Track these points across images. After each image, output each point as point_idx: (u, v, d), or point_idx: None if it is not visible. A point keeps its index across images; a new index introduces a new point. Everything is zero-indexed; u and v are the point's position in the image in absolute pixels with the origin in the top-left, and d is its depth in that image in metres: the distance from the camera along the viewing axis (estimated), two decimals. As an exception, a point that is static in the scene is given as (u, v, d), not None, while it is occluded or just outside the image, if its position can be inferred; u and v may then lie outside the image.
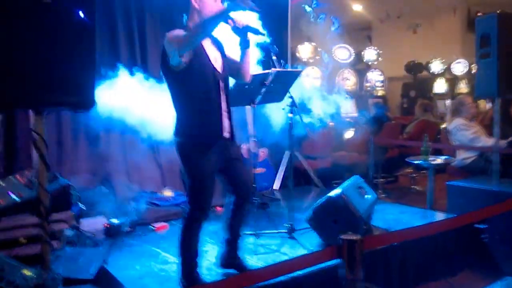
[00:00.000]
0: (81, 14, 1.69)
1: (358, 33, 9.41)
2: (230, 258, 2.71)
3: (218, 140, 2.41)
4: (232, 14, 2.30)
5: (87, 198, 3.64)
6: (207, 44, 2.45)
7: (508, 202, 2.52)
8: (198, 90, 2.36)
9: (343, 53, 6.79)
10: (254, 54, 2.73)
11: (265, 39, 2.56)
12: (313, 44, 6.18)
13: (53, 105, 1.78)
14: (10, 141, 3.65)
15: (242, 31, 2.43)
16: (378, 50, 7.31)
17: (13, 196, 2.73)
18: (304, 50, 6.17)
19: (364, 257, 1.63)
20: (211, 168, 2.41)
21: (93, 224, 3.51)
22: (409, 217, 3.80)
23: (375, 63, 7.33)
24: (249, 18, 2.44)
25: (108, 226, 3.46)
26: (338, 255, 1.63)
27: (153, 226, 3.65)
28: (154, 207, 3.93)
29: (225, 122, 2.45)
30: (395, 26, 9.26)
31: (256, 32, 2.45)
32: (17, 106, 1.79)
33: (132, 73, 3.83)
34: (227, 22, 2.38)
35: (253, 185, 3.32)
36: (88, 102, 1.79)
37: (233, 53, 2.58)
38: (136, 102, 3.90)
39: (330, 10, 5.87)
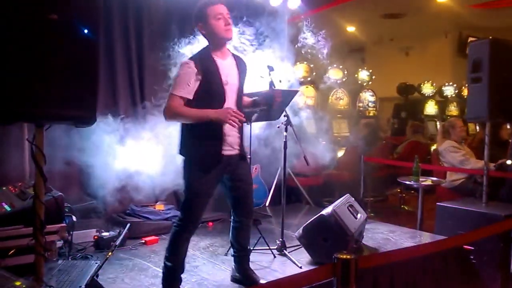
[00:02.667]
0: (86, 31, 1.73)
1: (352, 54, 9.57)
2: (239, 272, 2.79)
3: (218, 163, 2.46)
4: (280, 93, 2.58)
5: (78, 210, 3.65)
6: (224, 65, 2.50)
7: (495, 225, 2.57)
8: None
9: (337, 73, 6.90)
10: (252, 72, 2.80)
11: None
12: (308, 64, 6.28)
13: (55, 119, 1.80)
14: (2, 153, 3.64)
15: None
16: (370, 71, 7.44)
17: (6, 207, 2.73)
18: (299, 70, 6.27)
19: (358, 277, 1.66)
20: (209, 186, 2.49)
21: (83, 236, 3.52)
22: (399, 237, 3.83)
23: (369, 83, 7.45)
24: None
25: (97, 238, 3.46)
26: (333, 274, 1.65)
27: (144, 240, 3.65)
28: (145, 221, 3.92)
29: (230, 140, 2.50)
30: (388, 49, 9.45)
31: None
32: (19, 119, 1.80)
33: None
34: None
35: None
36: (89, 117, 1.82)
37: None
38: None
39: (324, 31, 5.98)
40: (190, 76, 2.37)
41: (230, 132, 2.49)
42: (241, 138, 2.59)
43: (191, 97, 2.39)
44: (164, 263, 2.55)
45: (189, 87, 2.37)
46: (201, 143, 2.45)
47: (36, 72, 1.68)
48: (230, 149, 2.51)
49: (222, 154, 2.46)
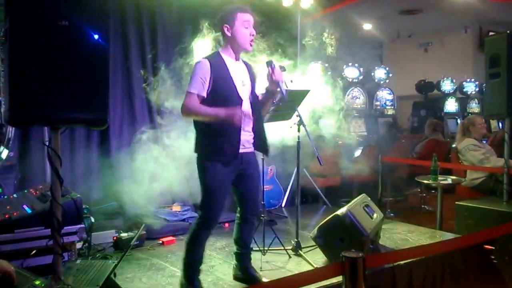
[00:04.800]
0: (96, 37, 1.78)
1: (369, 52, 9.48)
2: (241, 270, 2.82)
3: (232, 160, 2.52)
4: (275, 64, 2.56)
5: (98, 212, 3.74)
6: (235, 68, 2.58)
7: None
8: None
9: (352, 71, 6.84)
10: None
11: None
12: (322, 63, 6.25)
13: (68, 122, 1.86)
14: (25, 155, 3.75)
15: (272, 82, 2.59)
16: (388, 69, 7.35)
17: (27, 209, 2.81)
18: (314, 69, 6.23)
19: (367, 275, 1.65)
20: (225, 182, 2.56)
21: (103, 237, 3.60)
22: (417, 237, 3.78)
23: (386, 81, 7.36)
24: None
25: (116, 239, 3.53)
26: (341, 272, 1.65)
27: (161, 240, 3.71)
28: (162, 222, 3.98)
29: (244, 138, 2.56)
30: (406, 45, 9.32)
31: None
32: (34, 123, 1.86)
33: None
34: (270, 67, 2.56)
35: (262, 202, 3.39)
36: (101, 120, 1.88)
37: (260, 88, 2.72)
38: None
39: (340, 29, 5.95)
40: (205, 74, 2.45)
41: (244, 131, 2.55)
42: (256, 136, 2.64)
43: (205, 95, 2.46)
44: (185, 258, 2.61)
45: (205, 85, 2.45)
46: (218, 141, 2.49)
47: (49, 77, 1.74)
48: (243, 147, 2.57)
49: (238, 152, 2.52)
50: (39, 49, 1.70)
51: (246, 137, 2.59)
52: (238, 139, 2.52)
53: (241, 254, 2.83)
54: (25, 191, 3.21)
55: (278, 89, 2.60)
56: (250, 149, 2.65)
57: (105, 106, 1.89)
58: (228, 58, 2.58)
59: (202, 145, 2.55)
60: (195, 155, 2.61)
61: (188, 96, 2.46)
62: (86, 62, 1.79)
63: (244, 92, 2.57)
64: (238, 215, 2.80)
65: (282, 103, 2.83)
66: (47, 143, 1.89)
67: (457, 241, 2.65)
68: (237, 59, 2.63)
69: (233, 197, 2.90)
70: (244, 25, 2.50)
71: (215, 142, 2.50)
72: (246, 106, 2.57)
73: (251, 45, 2.56)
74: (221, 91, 2.48)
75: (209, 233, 2.61)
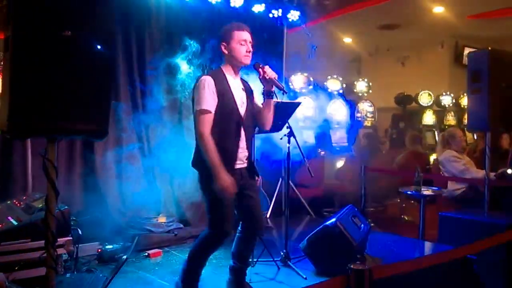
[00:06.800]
0: (99, 47, 1.76)
1: (349, 64, 9.65)
2: (237, 284, 2.78)
3: (232, 173, 2.49)
4: (263, 66, 2.59)
5: (82, 223, 3.64)
6: (235, 85, 2.61)
7: (499, 236, 2.59)
8: (219, 130, 2.49)
9: (334, 84, 6.95)
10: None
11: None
12: (306, 74, 6.34)
13: (68, 133, 1.83)
14: (5, 166, 3.64)
15: (268, 83, 2.61)
16: (368, 82, 7.51)
17: (12, 221, 2.73)
18: (297, 80, 6.32)
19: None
20: (229, 197, 2.50)
21: (87, 249, 3.51)
22: (401, 247, 3.85)
23: (366, 94, 7.52)
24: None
25: (101, 251, 3.45)
26: (346, 285, 1.66)
27: (147, 253, 3.65)
28: (148, 234, 3.92)
29: (240, 155, 2.59)
30: (384, 59, 9.53)
31: (279, 88, 2.63)
32: (33, 134, 1.82)
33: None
34: (258, 71, 2.60)
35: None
36: (102, 131, 1.85)
37: (259, 100, 2.75)
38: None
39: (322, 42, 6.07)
40: (212, 90, 2.48)
41: (240, 147, 2.58)
42: (250, 153, 2.68)
43: (214, 112, 2.47)
44: (187, 269, 2.60)
45: (214, 101, 2.48)
46: (220, 155, 2.47)
47: (50, 88, 1.71)
48: (240, 163, 2.61)
49: (235, 168, 2.54)
50: (41, 58, 1.68)
51: (243, 153, 2.62)
52: (236, 155, 2.56)
53: (238, 269, 2.78)
54: (8, 202, 3.12)
55: (274, 88, 2.62)
56: (247, 164, 2.67)
57: (106, 117, 1.87)
58: (228, 76, 2.62)
59: (204, 161, 2.48)
60: (195, 171, 2.60)
61: (201, 115, 2.44)
62: (88, 72, 1.77)
63: (242, 109, 2.61)
64: (240, 229, 2.77)
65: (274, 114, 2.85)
66: (42, 154, 1.84)
67: (455, 251, 2.71)
68: (236, 75, 2.68)
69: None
70: (241, 42, 2.57)
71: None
72: (245, 124, 2.60)
73: (247, 58, 2.60)
74: (224, 109, 2.51)
75: (222, 242, 2.59)
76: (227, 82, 2.58)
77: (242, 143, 2.60)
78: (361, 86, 7.42)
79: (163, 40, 4.48)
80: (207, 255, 2.63)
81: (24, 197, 3.12)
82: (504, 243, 2.69)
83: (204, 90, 2.46)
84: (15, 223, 2.68)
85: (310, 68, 6.27)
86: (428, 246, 3.95)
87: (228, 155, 2.51)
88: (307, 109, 6.33)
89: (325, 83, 6.83)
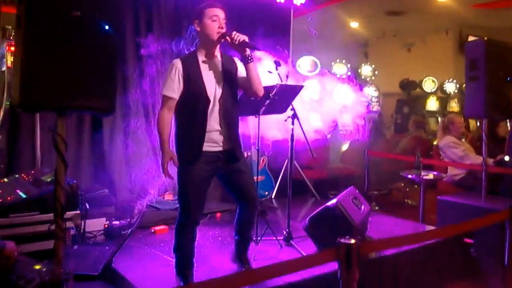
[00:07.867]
0: (106, 27, 1.82)
1: (355, 49, 9.62)
2: (237, 255, 2.89)
3: (197, 158, 2.51)
4: (228, 32, 2.51)
5: (89, 199, 3.72)
6: (210, 67, 2.58)
7: (493, 216, 2.65)
8: (185, 113, 2.54)
9: (340, 68, 6.96)
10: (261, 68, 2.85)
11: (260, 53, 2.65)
12: (312, 58, 6.34)
13: (77, 109, 1.90)
14: (13, 140, 3.71)
15: (240, 47, 2.53)
16: (373, 67, 7.50)
17: (21, 194, 2.79)
18: (304, 63, 6.33)
19: (360, 261, 1.73)
20: (196, 181, 2.52)
21: (94, 225, 3.59)
22: (402, 229, 3.91)
23: (371, 79, 7.52)
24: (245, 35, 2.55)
25: (108, 227, 3.54)
26: (336, 258, 1.73)
27: (153, 229, 3.72)
28: (154, 210, 4.00)
29: (214, 137, 2.55)
30: (390, 44, 9.49)
31: (253, 47, 2.56)
32: (44, 109, 1.88)
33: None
34: (224, 39, 2.53)
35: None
36: (109, 107, 1.92)
37: (243, 71, 2.65)
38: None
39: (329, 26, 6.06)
40: (178, 75, 2.49)
41: (213, 129, 2.55)
42: (231, 135, 2.62)
43: (177, 97, 2.50)
44: (174, 252, 2.66)
45: (177, 87, 2.49)
46: (184, 140, 2.55)
47: (60, 64, 1.78)
48: (215, 145, 2.57)
49: (202, 151, 2.52)
50: (52, 36, 1.74)
51: (218, 135, 2.57)
52: (203, 138, 2.52)
53: (239, 242, 2.87)
54: (16, 175, 3.18)
55: (248, 50, 2.53)
56: (224, 146, 2.62)
57: (113, 94, 1.93)
58: (202, 57, 2.58)
59: (176, 143, 2.58)
60: None
61: (162, 99, 2.51)
62: (96, 51, 1.83)
63: (216, 91, 2.56)
64: (238, 208, 2.81)
65: (277, 96, 2.89)
66: (52, 128, 1.91)
67: (442, 231, 2.77)
68: (212, 56, 2.62)
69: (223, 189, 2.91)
70: (212, 18, 2.53)
71: (182, 143, 2.56)
72: (216, 106, 2.55)
73: (218, 34, 2.53)
74: (191, 91, 2.51)
75: (192, 230, 2.61)
76: (198, 65, 2.55)
77: (214, 124, 2.54)
78: (366, 70, 7.42)
79: (170, 19, 4.50)
80: (185, 243, 2.63)
81: (33, 172, 3.17)
82: (499, 224, 2.74)
83: (169, 75, 2.50)
84: (23, 195, 2.75)
85: (316, 52, 6.28)
86: (427, 229, 4.01)
87: (196, 138, 2.51)
88: (313, 92, 6.35)
89: (331, 68, 6.83)
